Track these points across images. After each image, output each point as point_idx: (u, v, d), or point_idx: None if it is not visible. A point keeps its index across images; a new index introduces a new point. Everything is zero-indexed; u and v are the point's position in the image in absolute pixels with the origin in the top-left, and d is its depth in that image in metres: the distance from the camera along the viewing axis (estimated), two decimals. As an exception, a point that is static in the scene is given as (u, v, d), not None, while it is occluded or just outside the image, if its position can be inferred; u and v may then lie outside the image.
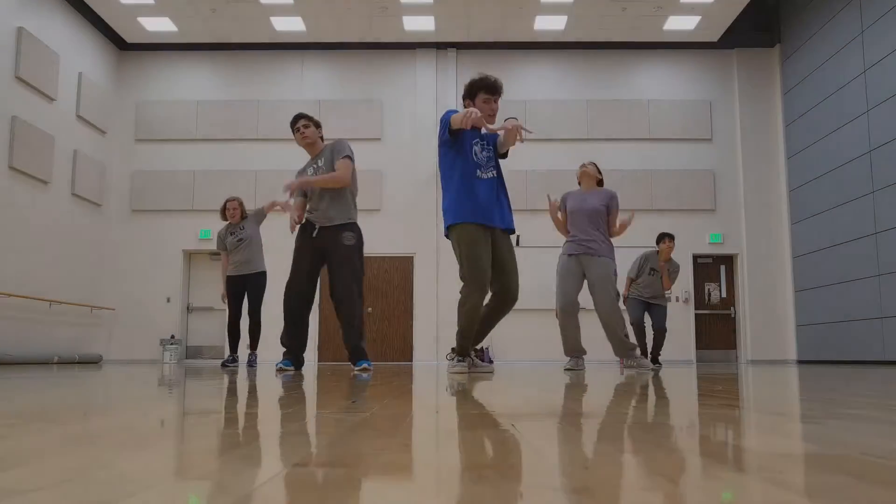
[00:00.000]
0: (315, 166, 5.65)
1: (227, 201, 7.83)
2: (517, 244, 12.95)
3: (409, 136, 13.27)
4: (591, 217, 6.05)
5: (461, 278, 4.69)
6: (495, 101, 4.82)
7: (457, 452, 1.00)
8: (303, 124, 5.81)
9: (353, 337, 5.47)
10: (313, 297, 5.66)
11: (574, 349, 5.99)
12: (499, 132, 4.77)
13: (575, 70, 13.60)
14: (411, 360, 12.89)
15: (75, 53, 12.08)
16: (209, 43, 13.43)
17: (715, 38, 13.28)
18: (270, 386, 3.10)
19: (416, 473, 0.83)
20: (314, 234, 5.50)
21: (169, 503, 0.67)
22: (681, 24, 12.79)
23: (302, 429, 1.30)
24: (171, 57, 13.58)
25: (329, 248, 5.48)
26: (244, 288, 7.66)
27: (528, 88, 13.45)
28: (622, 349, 5.92)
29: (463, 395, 2.43)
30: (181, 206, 13.15)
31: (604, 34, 13.11)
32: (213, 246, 13.04)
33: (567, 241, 6.17)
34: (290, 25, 12.78)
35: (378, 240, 12.68)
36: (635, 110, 13.40)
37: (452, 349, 5.00)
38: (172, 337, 12.79)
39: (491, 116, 4.80)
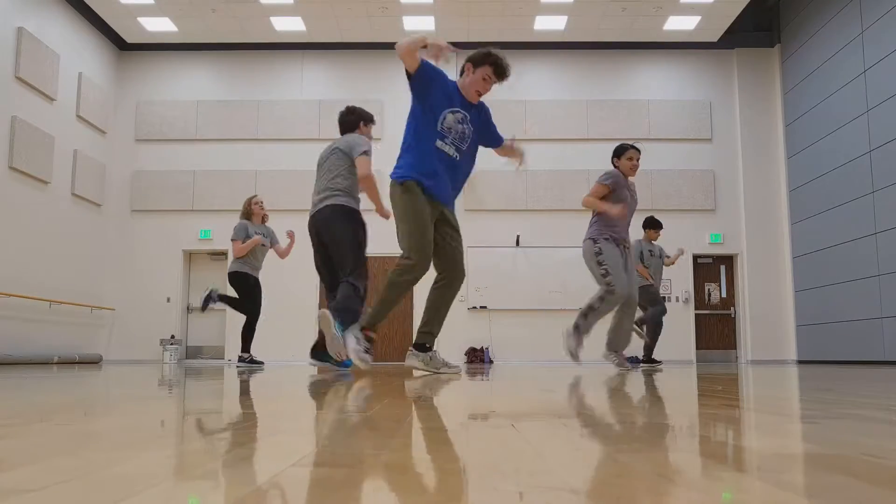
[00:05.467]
0: (328, 151, 6.09)
1: (252, 199, 7.82)
2: (517, 244, 12.96)
3: (409, 136, 13.26)
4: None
5: (400, 245, 4.32)
6: (492, 83, 4.55)
7: (457, 452, 1.00)
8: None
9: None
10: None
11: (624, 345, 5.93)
12: (512, 154, 4.66)
13: (575, 70, 13.60)
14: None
15: (75, 53, 12.08)
16: (209, 43, 13.43)
17: (715, 39, 13.29)
18: (270, 386, 3.10)
19: (416, 473, 0.83)
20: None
21: (169, 503, 0.67)
22: (681, 24, 12.79)
23: (302, 429, 1.30)
24: (171, 57, 13.59)
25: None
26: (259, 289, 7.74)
27: (528, 88, 13.45)
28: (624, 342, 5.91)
29: (463, 395, 2.43)
30: (181, 206, 13.15)
31: (604, 34, 13.11)
32: (212, 246, 13.06)
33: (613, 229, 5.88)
34: (290, 25, 12.78)
35: (378, 240, 12.65)
36: (635, 110, 13.40)
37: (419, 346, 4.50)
38: (172, 337, 12.79)
39: (479, 95, 4.51)
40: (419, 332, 4.54)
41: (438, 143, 4.38)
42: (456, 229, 4.54)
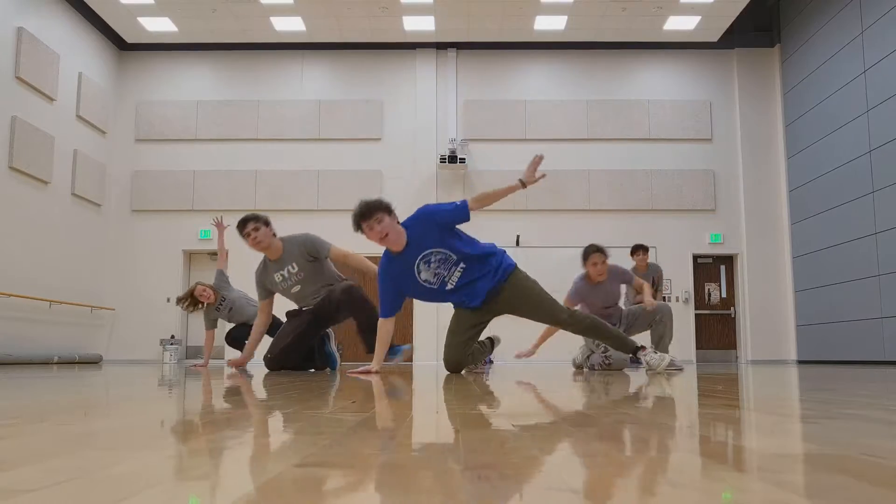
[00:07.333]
0: (285, 273, 5.36)
1: (192, 291, 7.36)
2: (517, 244, 12.95)
3: (409, 136, 13.27)
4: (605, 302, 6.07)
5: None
6: (378, 221, 4.26)
7: (457, 452, 1.00)
8: (252, 227, 5.21)
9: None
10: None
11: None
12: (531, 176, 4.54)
13: (575, 70, 13.60)
14: (411, 361, 12.88)
15: (75, 53, 12.07)
16: (209, 43, 13.43)
17: (715, 39, 13.28)
18: (270, 386, 3.10)
19: (416, 473, 0.83)
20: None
21: (169, 503, 0.67)
22: (681, 24, 12.78)
23: (302, 429, 1.30)
24: (172, 57, 13.58)
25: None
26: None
27: (528, 88, 13.45)
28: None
29: (463, 395, 2.43)
30: (181, 206, 13.15)
31: (604, 34, 13.10)
32: (212, 246, 13.05)
33: None
34: (290, 25, 12.78)
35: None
36: (635, 110, 13.40)
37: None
38: (172, 337, 12.79)
39: (386, 239, 4.33)
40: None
41: (448, 288, 4.51)
42: (518, 290, 4.64)
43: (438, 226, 4.41)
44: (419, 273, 4.42)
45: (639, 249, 8.39)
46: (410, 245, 4.39)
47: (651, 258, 8.89)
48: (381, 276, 4.48)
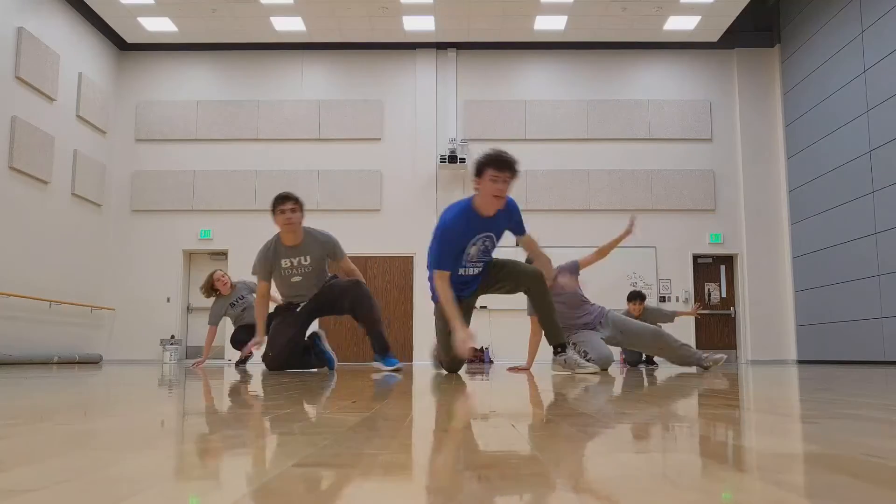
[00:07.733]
0: (295, 262, 5.38)
1: (211, 274, 7.52)
2: (516, 244, 12.95)
3: (409, 136, 13.27)
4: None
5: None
6: (504, 181, 4.17)
7: (457, 452, 1.00)
8: (290, 208, 5.27)
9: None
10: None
11: None
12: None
13: (575, 70, 13.60)
14: (411, 361, 12.89)
15: (75, 53, 12.07)
16: (209, 43, 13.43)
17: (715, 39, 13.28)
18: (270, 386, 3.10)
19: (415, 473, 0.83)
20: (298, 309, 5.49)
21: (169, 503, 0.67)
22: (681, 24, 12.78)
23: (302, 429, 1.30)
24: (171, 57, 13.58)
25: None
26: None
27: (528, 88, 13.45)
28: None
29: (463, 395, 2.43)
30: (181, 206, 13.15)
31: (604, 34, 13.10)
32: (212, 246, 13.07)
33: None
34: (290, 25, 12.78)
35: (378, 240, 12.69)
36: (635, 110, 13.40)
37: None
38: (172, 337, 12.79)
39: (498, 198, 4.22)
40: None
41: (459, 273, 4.56)
42: (498, 267, 4.70)
43: (511, 223, 4.58)
44: (473, 244, 4.46)
45: (635, 298, 8.24)
46: (497, 217, 4.43)
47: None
48: (453, 227, 4.36)
